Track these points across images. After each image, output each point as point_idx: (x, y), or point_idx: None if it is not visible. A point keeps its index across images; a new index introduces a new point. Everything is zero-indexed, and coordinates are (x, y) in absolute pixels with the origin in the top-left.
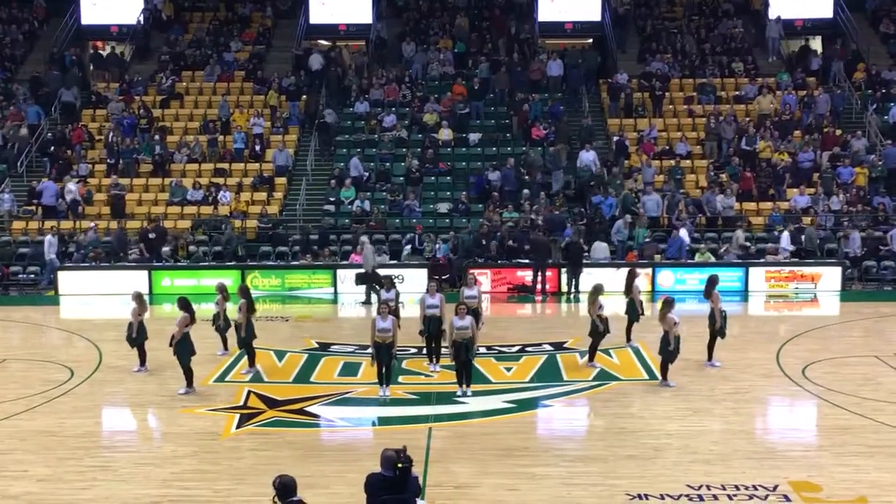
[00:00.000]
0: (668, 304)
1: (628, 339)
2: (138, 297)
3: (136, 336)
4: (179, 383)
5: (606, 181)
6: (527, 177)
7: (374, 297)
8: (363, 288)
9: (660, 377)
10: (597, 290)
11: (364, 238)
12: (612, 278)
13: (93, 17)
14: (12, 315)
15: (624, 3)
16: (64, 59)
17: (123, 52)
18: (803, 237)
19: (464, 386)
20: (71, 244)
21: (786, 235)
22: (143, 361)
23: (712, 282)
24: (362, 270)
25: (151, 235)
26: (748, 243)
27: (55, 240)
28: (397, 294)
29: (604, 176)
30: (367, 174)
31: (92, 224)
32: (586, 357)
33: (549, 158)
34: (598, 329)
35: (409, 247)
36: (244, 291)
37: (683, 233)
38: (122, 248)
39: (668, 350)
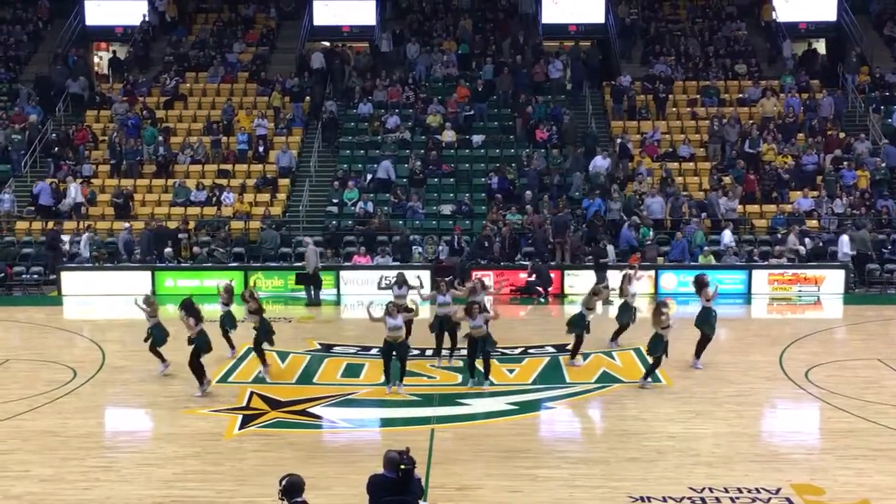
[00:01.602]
0: (660, 306)
1: (613, 339)
2: (148, 301)
3: (152, 338)
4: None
5: (605, 185)
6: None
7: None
8: (369, 290)
9: (642, 377)
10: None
11: (308, 240)
12: (615, 280)
13: (97, 18)
14: (15, 315)
15: (631, 12)
16: (67, 60)
17: (131, 51)
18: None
19: (477, 381)
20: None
21: (845, 239)
22: (162, 359)
23: (700, 282)
24: (304, 271)
25: (181, 236)
26: (801, 246)
27: (94, 237)
28: (409, 288)
29: (605, 180)
30: (394, 178)
31: (127, 225)
32: (579, 358)
33: (552, 160)
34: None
35: (446, 248)
36: (250, 295)
37: (727, 234)
38: (151, 250)
39: (661, 352)
